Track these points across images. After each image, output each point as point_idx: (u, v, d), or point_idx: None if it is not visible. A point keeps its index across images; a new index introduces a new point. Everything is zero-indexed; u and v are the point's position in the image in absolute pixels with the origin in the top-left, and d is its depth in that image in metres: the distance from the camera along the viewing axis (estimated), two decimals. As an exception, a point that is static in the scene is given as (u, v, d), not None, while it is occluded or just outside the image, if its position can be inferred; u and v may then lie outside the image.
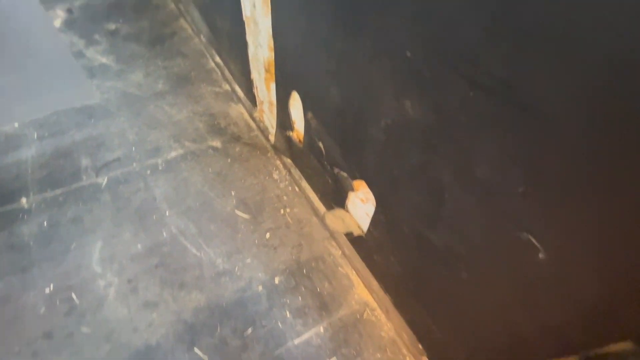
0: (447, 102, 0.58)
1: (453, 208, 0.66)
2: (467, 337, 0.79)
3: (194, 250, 1.17)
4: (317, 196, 1.27)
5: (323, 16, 0.79)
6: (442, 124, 0.61)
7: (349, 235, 1.13)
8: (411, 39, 0.60)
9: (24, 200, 1.24)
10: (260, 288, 1.11)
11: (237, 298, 1.08)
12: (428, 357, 0.97)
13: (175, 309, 1.04)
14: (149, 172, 1.35)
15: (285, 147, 1.36)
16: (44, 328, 0.99)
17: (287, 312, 1.07)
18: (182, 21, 2.00)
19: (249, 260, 1.16)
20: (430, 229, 0.75)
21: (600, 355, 0.52)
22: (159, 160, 1.39)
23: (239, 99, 1.61)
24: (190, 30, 1.95)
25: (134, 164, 1.37)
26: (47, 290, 1.05)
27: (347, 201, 1.07)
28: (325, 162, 1.09)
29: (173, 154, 1.42)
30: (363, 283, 1.13)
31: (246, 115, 1.59)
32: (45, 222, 1.19)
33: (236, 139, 1.50)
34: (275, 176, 1.39)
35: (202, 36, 1.83)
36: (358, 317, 1.08)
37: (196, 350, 0.98)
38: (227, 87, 1.69)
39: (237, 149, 1.46)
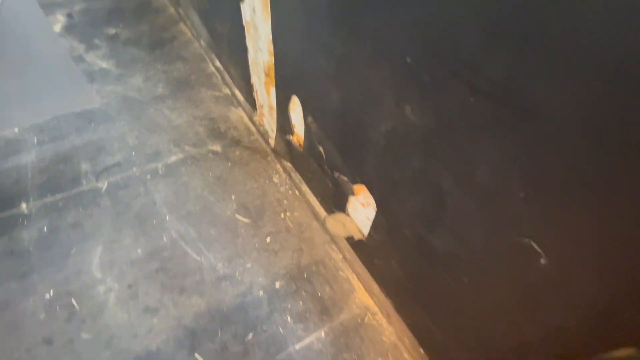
0: (447, 107, 0.58)
1: (454, 212, 0.66)
2: (469, 341, 0.79)
3: (195, 255, 1.17)
4: (318, 200, 1.27)
5: (323, 21, 0.79)
6: (443, 128, 0.61)
7: (349, 240, 1.12)
8: (411, 45, 0.60)
9: (24, 205, 1.24)
10: (261, 293, 1.10)
11: (237, 303, 1.08)
12: (430, 362, 0.96)
13: (176, 314, 1.04)
14: (149, 176, 1.35)
15: (285, 151, 1.36)
16: (44, 334, 0.99)
17: (288, 317, 1.06)
18: (181, 25, 2.01)
19: (249, 265, 1.16)
20: (431, 233, 0.75)
21: (604, 361, 0.52)
22: (159, 165, 1.39)
23: (239, 103, 1.61)
24: (190, 35, 1.95)
25: (134, 169, 1.37)
26: (47, 296, 1.05)
27: (347, 205, 1.07)
28: (326, 166, 1.09)
29: (173, 158, 1.42)
30: (364, 287, 1.13)
31: (246, 119, 1.59)
32: (45, 227, 1.19)
33: (236, 143, 1.50)
34: (276, 180, 1.39)
35: (202, 40, 1.83)
36: (359, 321, 1.07)
37: (197, 356, 0.98)
38: (227, 91, 1.69)
39: (237, 153, 1.46)
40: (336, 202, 1.12)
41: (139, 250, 1.16)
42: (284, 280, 1.13)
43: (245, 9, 1.15)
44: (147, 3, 2.12)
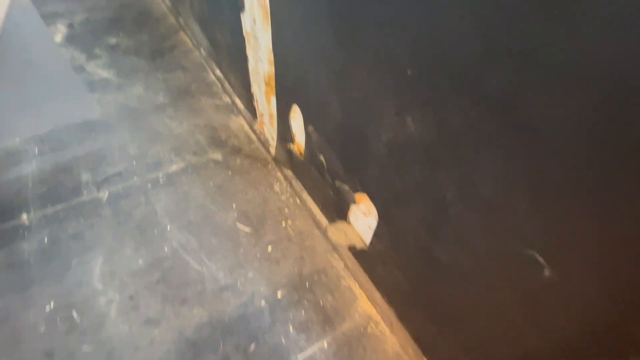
0: (448, 119, 0.59)
1: (457, 223, 0.66)
2: (474, 352, 0.78)
3: (196, 265, 1.16)
4: (319, 208, 1.27)
5: (323, 33, 0.80)
6: (444, 139, 0.61)
7: (351, 248, 1.12)
8: (411, 58, 0.60)
9: (24, 216, 1.23)
10: (262, 303, 1.10)
11: (239, 313, 1.07)
12: (434, 372, 0.95)
13: (177, 326, 1.03)
14: (150, 186, 1.35)
15: (286, 159, 1.36)
16: (45, 347, 0.98)
17: (290, 327, 1.05)
18: (182, 34, 2.02)
19: (251, 275, 1.15)
20: (433, 243, 0.75)
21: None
22: (160, 174, 1.39)
23: (239, 112, 1.62)
24: (190, 44, 1.97)
25: (135, 178, 1.37)
26: (47, 309, 1.04)
27: (349, 213, 1.07)
28: (327, 175, 1.09)
29: (174, 167, 1.42)
30: (366, 296, 1.12)
31: (246, 128, 1.59)
32: (45, 239, 1.19)
33: (237, 151, 1.50)
34: (277, 188, 1.39)
35: (202, 49, 1.84)
36: (362, 330, 1.07)
37: (199, 368, 0.97)
38: (227, 99, 1.70)
39: (238, 161, 1.46)
40: (337, 210, 1.12)
41: (140, 261, 1.15)
42: (286, 290, 1.13)
43: (246, 20, 1.16)
44: (148, 13, 2.14)
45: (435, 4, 0.52)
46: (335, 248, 1.22)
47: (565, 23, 0.39)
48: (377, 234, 0.96)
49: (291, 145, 1.25)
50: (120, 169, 1.39)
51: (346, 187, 1.01)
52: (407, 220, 0.81)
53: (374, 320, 1.09)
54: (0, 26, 0.96)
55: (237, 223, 1.27)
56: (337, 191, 1.07)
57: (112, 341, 1.00)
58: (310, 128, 1.06)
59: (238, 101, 1.62)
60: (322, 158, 1.08)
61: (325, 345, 1.03)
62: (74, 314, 1.04)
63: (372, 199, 0.91)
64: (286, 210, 1.33)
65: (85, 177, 1.36)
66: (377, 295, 1.07)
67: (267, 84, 1.22)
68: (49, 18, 1.99)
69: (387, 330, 1.07)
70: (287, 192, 1.38)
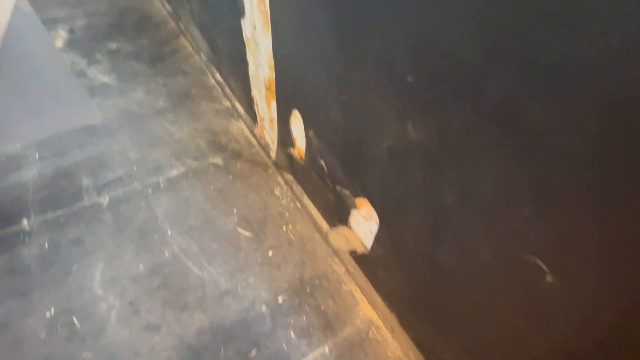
0: (449, 126, 0.59)
1: (458, 229, 0.66)
2: (476, 357, 0.78)
3: (196, 270, 1.16)
4: (320, 212, 1.27)
5: (323, 39, 0.80)
6: (445, 146, 0.61)
7: (352, 253, 1.12)
8: (412, 64, 0.60)
9: (25, 221, 1.23)
10: (263, 308, 1.09)
11: (240, 319, 1.07)
12: (436, 377, 0.95)
13: (178, 332, 1.03)
14: (150, 190, 1.35)
15: (286, 164, 1.36)
16: (45, 353, 0.98)
17: (292, 332, 1.05)
18: (182, 39, 2.03)
19: (251, 279, 1.15)
20: (435, 248, 0.75)
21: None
22: (161, 179, 1.39)
23: (240, 116, 1.62)
24: (190, 48, 1.97)
25: (136, 183, 1.37)
26: (47, 315, 1.04)
27: (350, 218, 1.07)
28: (327, 180, 1.09)
29: (174, 172, 1.42)
30: (368, 300, 1.12)
31: (247, 132, 1.59)
32: (46, 244, 1.18)
33: (237, 155, 1.50)
34: (277, 192, 1.39)
35: (202, 54, 1.85)
36: (363, 336, 1.06)
37: (199, 374, 0.96)
38: (227, 103, 1.70)
39: (239, 165, 1.46)
40: (338, 215, 1.12)
41: (141, 266, 1.15)
42: (287, 295, 1.13)
43: (246, 25, 1.16)
44: (148, 18, 2.15)
45: (435, 10, 0.52)
46: (336, 252, 1.21)
47: (565, 28, 0.39)
48: (378, 239, 0.96)
49: (292, 149, 1.25)
50: (121, 173, 1.39)
51: (347, 192, 1.01)
52: (408, 225, 0.81)
53: (376, 325, 1.08)
54: (4, 33, 0.97)
55: (238, 228, 1.27)
56: (337, 196, 1.07)
57: (112, 347, 0.99)
58: (311, 133, 1.07)
59: (238, 105, 1.62)
60: (322, 162, 1.08)
61: (327, 350, 1.02)
62: (75, 320, 1.03)
63: (373, 203, 0.91)
64: (287, 214, 1.33)
65: (86, 182, 1.36)
66: (379, 300, 1.07)
67: (268, 89, 1.22)
68: (50, 23, 2.00)
69: (388, 335, 1.06)
70: (287, 197, 1.38)
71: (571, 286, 0.52)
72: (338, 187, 1.05)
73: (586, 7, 0.37)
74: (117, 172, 1.39)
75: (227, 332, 1.04)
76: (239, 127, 1.61)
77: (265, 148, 1.49)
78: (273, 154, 1.43)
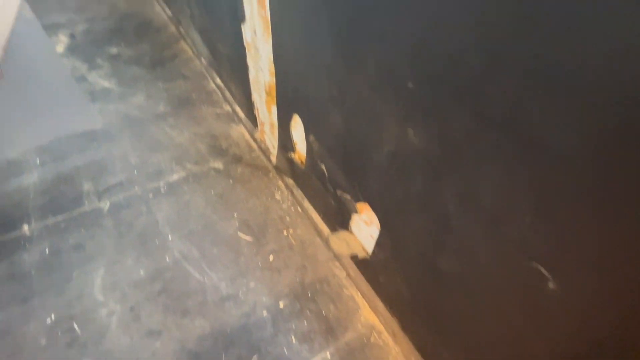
0: (450, 132, 0.59)
1: (460, 235, 0.66)
2: (478, 363, 0.78)
3: (197, 275, 1.16)
4: (320, 216, 1.27)
5: (324, 45, 0.80)
6: (446, 152, 0.61)
7: (354, 258, 1.12)
8: (413, 70, 0.61)
9: (25, 227, 1.23)
10: (264, 313, 1.09)
11: (241, 324, 1.06)
12: (438, 383, 0.94)
13: (179, 337, 1.03)
14: (151, 195, 1.35)
15: (287, 168, 1.36)
16: (45, 360, 0.97)
17: (293, 338, 1.05)
18: (182, 44, 2.04)
19: (252, 284, 1.15)
20: (436, 253, 0.75)
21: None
22: (161, 183, 1.39)
23: (240, 120, 1.63)
24: (190, 53, 1.98)
25: (136, 188, 1.37)
26: (48, 321, 1.04)
27: (350, 223, 1.07)
28: (328, 184, 1.09)
29: (175, 176, 1.42)
30: (369, 305, 1.12)
31: (247, 136, 1.60)
32: (46, 250, 1.18)
33: (238, 159, 1.50)
34: (278, 197, 1.39)
35: (202, 58, 1.85)
36: (365, 341, 1.06)
37: (201, 380, 0.96)
38: (227, 108, 1.71)
39: (239, 169, 1.46)
40: (339, 219, 1.12)
41: (142, 272, 1.15)
42: (288, 300, 1.12)
43: (246, 30, 1.17)
44: (148, 22, 2.16)
45: (436, 15, 0.53)
46: (337, 257, 1.21)
47: (567, 32, 0.40)
48: (379, 243, 0.96)
49: (292, 154, 1.25)
50: (122, 178, 1.39)
51: (348, 196, 1.01)
52: (409, 230, 0.81)
53: (377, 330, 1.08)
54: (6, 41, 0.97)
55: (239, 232, 1.27)
56: (338, 200, 1.07)
57: (113, 353, 0.99)
58: (312, 137, 1.07)
59: (239, 110, 1.63)
60: (323, 167, 1.08)
61: (329, 355, 1.02)
62: (75, 326, 1.03)
63: (374, 208, 0.91)
64: (287, 218, 1.33)
65: (87, 187, 1.36)
66: (380, 305, 1.07)
67: (268, 94, 1.23)
68: (51, 29, 2.01)
69: (390, 340, 1.06)
70: (288, 201, 1.38)
71: (573, 293, 0.52)
72: (339, 192, 1.05)
73: (588, 11, 0.37)
74: (117, 177, 1.39)
75: (228, 338, 1.03)
76: (239, 131, 1.61)
77: (265, 152, 1.49)
78: (273, 158, 1.43)
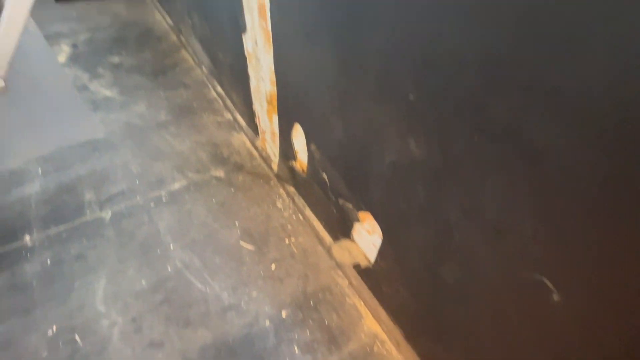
0: (451, 143, 0.59)
1: (462, 246, 0.66)
2: (483, 374, 0.77)
3: (199, 285, 1.15)
4: (322, 225, 1.27)
5: (325, 55, 0.81)
6: (448, 164, 0.62)
7: (356, 266, 1.11)
8: (414, 83, 0.61)
9: (27, 237, 1.23)
10: (267, 323, 1.09)
11: (244, 334, 1.06)
12: (442, 393, 0.94)
13: (181, 349, 1.02)
14: (152, 204, 1.35)
15: (288, 176, 1.36)
16: (46, 373, 0.97)
17: (296, 348, 1.04)
18: (183, 52, 2.05)
19: (255, 294, 1.15)
20: (439, 263, 0.75)
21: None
22: (163, 192, 1.39)
23: (241, 128, 1.63)
24: (191, 61, 2.00)
25: (138, 197, 1.37)
26: (49, 333, 1.03)
27: (352, 231, 1.07)
28: (330, 193, 1.09)
29: (176, 185, 1.42)
30: (372, 314, 1.11)
31: (248, 144, 1.60)
32: (48, 260, 1.18)
33: (239, 168, 1.51)
34: (279, 205, 1.39)
35: (203, 67, 1.87)
36: (368, 350, 1.05)
37: (203, 392, 0.95)
38: (229, 116, 1.72)
39: (241, 178, 1.47)
40: (341, 227, 1.12)
41: (143, 282, 1.15)
42: (291, 309, 1.12)
43: (247, 41, 1.18)
44: (150, 31, 2.18)
45: (438, 29, 0.53)
46: (339, 265, 1.21)
47: (568, 49, 0.40)
48: (381, 252, 0.96)
49: (293, 162, 1.25)
50: (123, 187, 1.39)
51: (349, 205, 1.01)
52: (411, 240, 0.81)
53: (380, 339, 1.07)
54: (12, 56, 0.98)
55: (240, 241, 1.27)
56: (340, 209, 1.07)
57: (115, 365, 0.98)
58: (313, 147, 1.07)
59: (240, 118, 1.63)
60: (324, 176, 1.08)
61: (331, 366, 1.01)
62: (77, 338, 1.03)
63: (376, 217, 0.91)
64: (289, 227, 1.32)
65: (88, 196, 1.36)
66: (383, 314, 1.06)
67: (269, 103, 1.23)
68: (53, 38, 2.02)
69: (393, 350, 1.05)
70: (289, 209, 1.38)
71: (578, 305, 0.52)
72: (340, 201, 1.05)
73: (589, 29, 0.37)
74: (119, 186, 1.40)
75: (230, 348, 1.03)
76: (240, 139, 1.62)
77: (267, 160, 1.49)
78: (275, 167, 1.44)
